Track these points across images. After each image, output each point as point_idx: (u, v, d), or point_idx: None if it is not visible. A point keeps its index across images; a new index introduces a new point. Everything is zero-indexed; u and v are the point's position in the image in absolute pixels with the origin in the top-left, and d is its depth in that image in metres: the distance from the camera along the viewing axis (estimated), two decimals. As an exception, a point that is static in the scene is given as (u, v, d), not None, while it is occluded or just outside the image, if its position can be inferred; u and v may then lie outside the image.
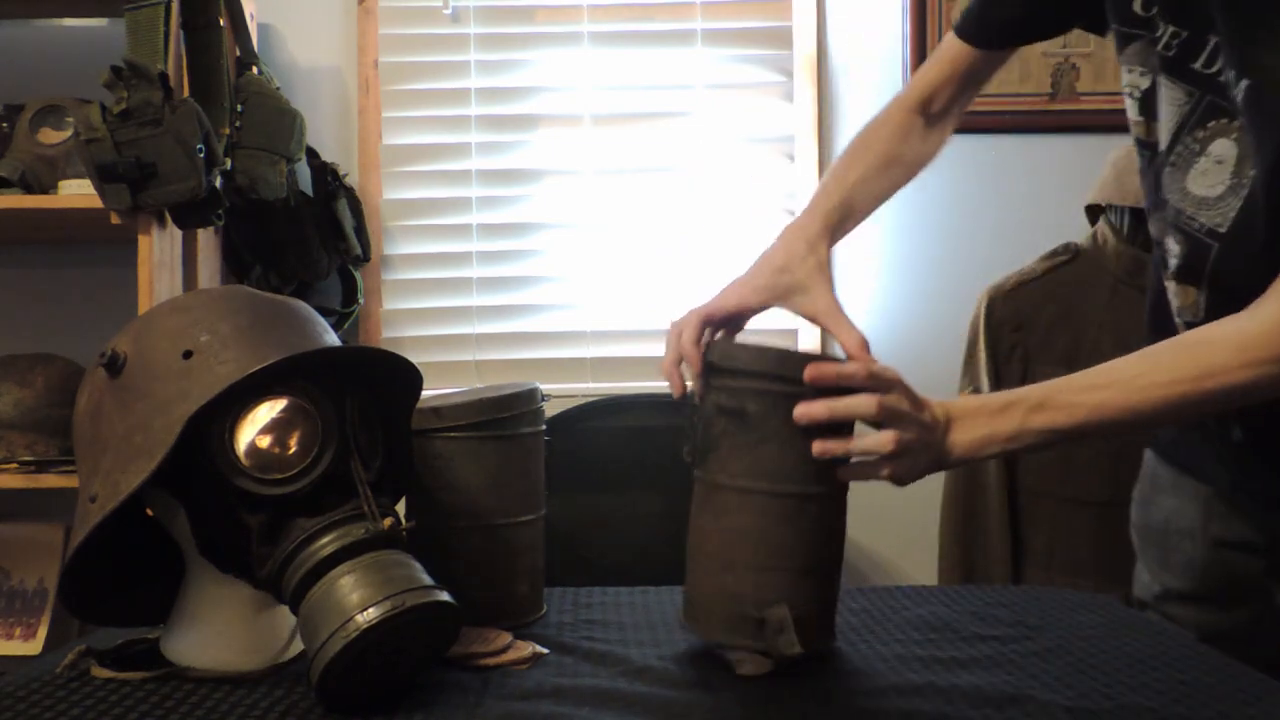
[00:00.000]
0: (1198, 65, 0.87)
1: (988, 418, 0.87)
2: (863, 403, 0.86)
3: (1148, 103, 0.96)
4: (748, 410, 0.87)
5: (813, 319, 0.98)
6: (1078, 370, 0.87)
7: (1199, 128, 0.89)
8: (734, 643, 0.88)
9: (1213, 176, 0.89)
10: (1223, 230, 0.89)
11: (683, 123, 2.17)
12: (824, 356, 0.91)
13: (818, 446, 0.86)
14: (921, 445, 0.86)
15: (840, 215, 1.05)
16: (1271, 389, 0.82)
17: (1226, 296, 0.89)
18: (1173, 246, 0.95)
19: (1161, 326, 1.02)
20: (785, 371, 0.87)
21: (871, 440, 0.87)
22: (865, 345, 0.92)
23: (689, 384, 0.94)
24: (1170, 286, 0.98)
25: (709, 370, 0.91)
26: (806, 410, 0.86)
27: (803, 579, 0.88)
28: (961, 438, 0.87)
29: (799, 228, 1.02)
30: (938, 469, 0.89)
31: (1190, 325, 0.97)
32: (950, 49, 1.11)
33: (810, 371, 0.86)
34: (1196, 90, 0.88)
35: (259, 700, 0.81)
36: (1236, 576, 1.08)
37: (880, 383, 0.86)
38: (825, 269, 0.99)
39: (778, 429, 0.86)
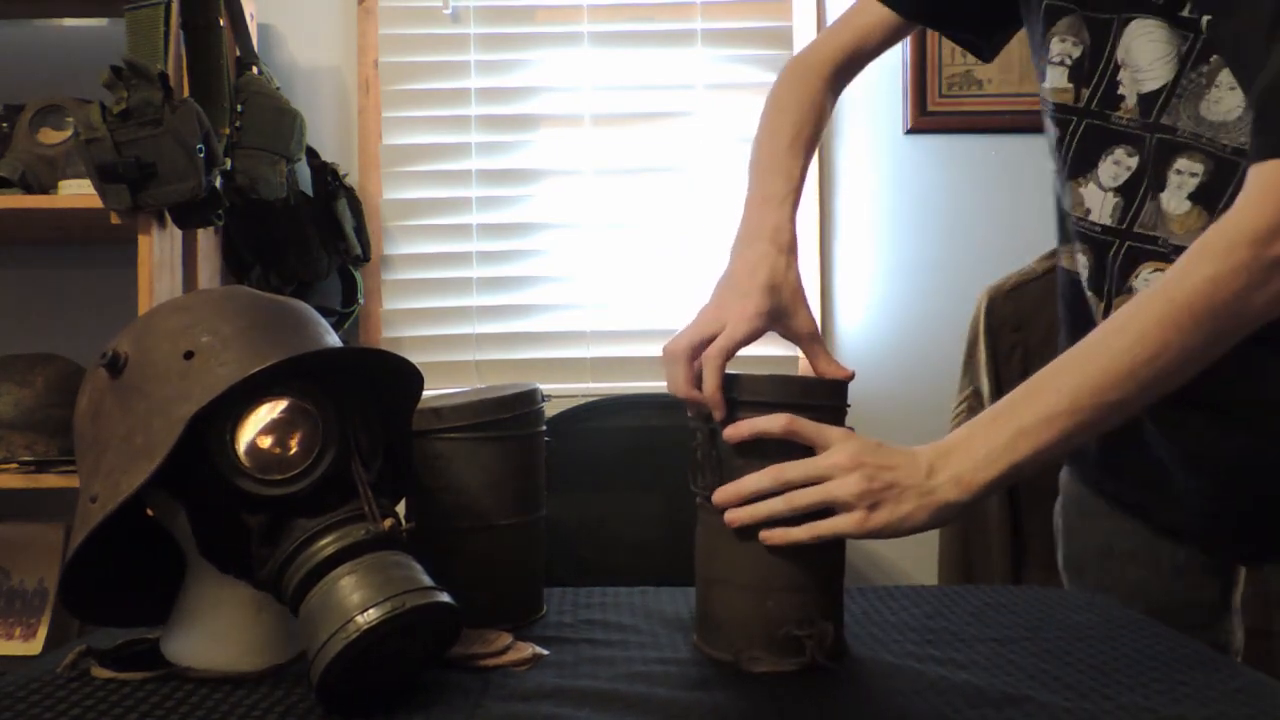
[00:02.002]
0: (1185, 13, 0.90)
1: (982, 436, 0.82)
2: (774, 421, 0.85)
3: (1079, 69, 0.98)
4: (769, 442, 0.87)
5: (797, 342, 0.96)
6: None
7: (1201, 63, 0.91)
8: (777, 664, 0.88)
9: (1228, 101, 0.90)
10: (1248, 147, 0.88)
11: (683, 123, 2.18)
12: (831, 381, 0.92)
13: (763, 535, 0.86)
14: (898, 489, 0.82)
15: (795, 212, 1.03)
16: (1248, 283, 0.78)
17: None
18: (1187, 169, 0.94)
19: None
20: (810, 400, 0.88)
21: (837, 487, 0.82)
22: (849, 378, 0.93)
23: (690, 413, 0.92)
24: (1173, 209, 0.95)
25: (729, 406, 0.89)
26: (734, 431, 0.87)
27: (829, 591, 0.90)
28: (956, 469, 0.82)
29: (771, 235, 0.98)
30: (939, 518, 0.82)
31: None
32: (866, 16, 1.10)
33: (728, 431, 0.87)
34: (1190, 33, 0.91)
35: (259, 701, 0.81)
36: (1189, 601, 1.07)
37: (812, 436, 0.85)
38: (802, 285, 0.98)
39: (803, 455, 0.86)
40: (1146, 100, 0.95)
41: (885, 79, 2.20)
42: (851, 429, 0.90)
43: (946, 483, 0.82)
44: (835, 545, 0.89)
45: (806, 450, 0.86)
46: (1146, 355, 0.79)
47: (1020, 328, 1.84)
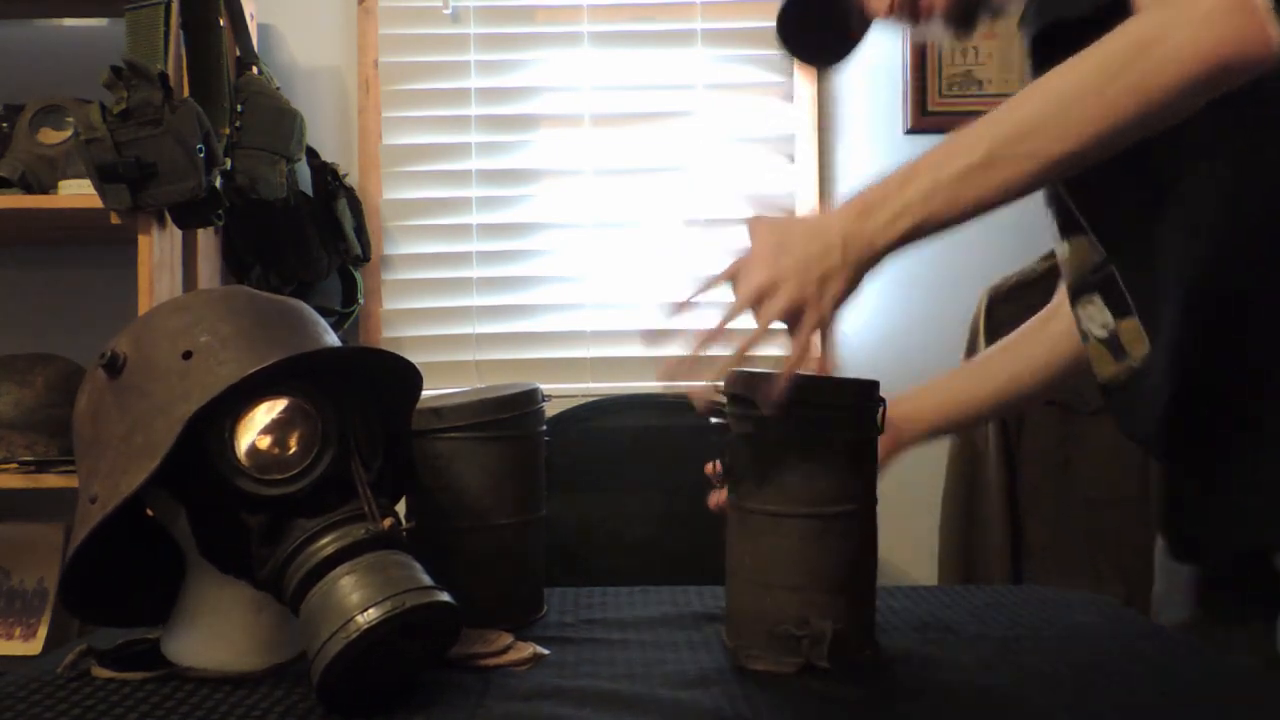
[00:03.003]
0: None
1: (896, 188, 0.84)
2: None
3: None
4: (769, 437, 0.88)
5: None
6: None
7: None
8: (778, 661, 0.89)
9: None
10: None
11: (683, 123, 2.17)
12: (835, 379, 0.92)
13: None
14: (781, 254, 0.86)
15: None
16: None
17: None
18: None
19: None
20: (803, 397, 0.88)
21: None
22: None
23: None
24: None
25: (732, 401, 0.91)
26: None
27: (838, 595, 0.90)
28: (869, 222, 0.87)
29: None
30: (848, 268, 0.89)
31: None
32: None
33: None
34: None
35: (259, 701, 0.81)
36: (1223, 607, 1.04)
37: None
38: None
39: (800, 454, 0.87)
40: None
41: (885, 79, 2.20)
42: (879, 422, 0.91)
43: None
44: (840, 548, 0.89)
45: (809, 451, 0.86)
46: (1066, 98, 0.82)
47: (1020, 328, 1.84)
